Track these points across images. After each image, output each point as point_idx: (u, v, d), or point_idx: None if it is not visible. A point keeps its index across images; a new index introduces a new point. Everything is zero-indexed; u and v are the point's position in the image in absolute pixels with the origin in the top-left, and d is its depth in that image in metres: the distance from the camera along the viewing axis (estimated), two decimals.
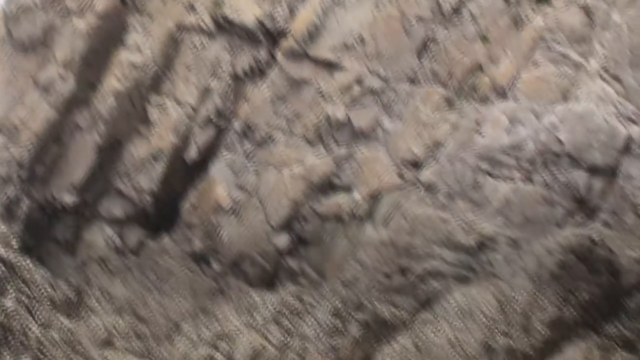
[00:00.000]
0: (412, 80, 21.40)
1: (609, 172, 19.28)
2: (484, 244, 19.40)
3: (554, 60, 20.31)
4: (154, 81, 22.68)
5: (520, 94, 20.48)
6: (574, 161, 19.47)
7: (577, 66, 20.18)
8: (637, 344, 18.50)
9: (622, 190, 19.10)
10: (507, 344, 18.29)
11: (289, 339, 19.77)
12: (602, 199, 19.25)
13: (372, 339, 19.35)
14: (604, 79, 19.90)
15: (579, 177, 19.38)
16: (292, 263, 21.30)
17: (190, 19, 22.81)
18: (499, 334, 18.40)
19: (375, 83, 21.58)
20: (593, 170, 19.35)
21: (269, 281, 21.35)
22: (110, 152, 22.70)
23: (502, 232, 19.39)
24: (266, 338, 19.84)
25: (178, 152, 22.52)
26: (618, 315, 18.65)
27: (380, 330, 19.19)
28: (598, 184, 19.31)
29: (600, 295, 18.59)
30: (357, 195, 21.03)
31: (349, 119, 21.58)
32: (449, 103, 20.97)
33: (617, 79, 19.81)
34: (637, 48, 19.84)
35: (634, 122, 19.43)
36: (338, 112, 21.66)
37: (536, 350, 18.29)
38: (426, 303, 19.24)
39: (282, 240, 21.41)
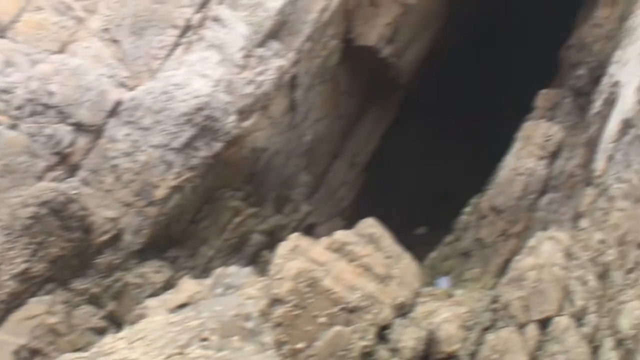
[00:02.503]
0: None
1: (94, 132, 19.24)
2: None
3: (57, 9, 19.86)
4: None
5: (18, 36, 19.79)
6: (62, 115, 19.16)
7: (80, 21, 19.94)
8: (102, 299, 18.81)
9: (104, 151, 19.13)
10: None
11: None
12: (84, 157, 19.16)
13: None
14: (102, 39, 19.83)
15: (64, 132, 19.11)
16: None
17: None
18: None
19: None
20: (79, 127, 19.19)
21: None
22: None
23: None
24: None
25: None
26: (86, 272, 18.75)
27: None
28: (82, 141, 19.19)
29: (71, 251, 18.51)
30: None
31: None
32: None
33: (115, 42, 19.84)
34: (140, 16, 20.00)
35: (125, 87, 19.54)
36: None
37: (1, 303, 17.76)
38: None
39: None
